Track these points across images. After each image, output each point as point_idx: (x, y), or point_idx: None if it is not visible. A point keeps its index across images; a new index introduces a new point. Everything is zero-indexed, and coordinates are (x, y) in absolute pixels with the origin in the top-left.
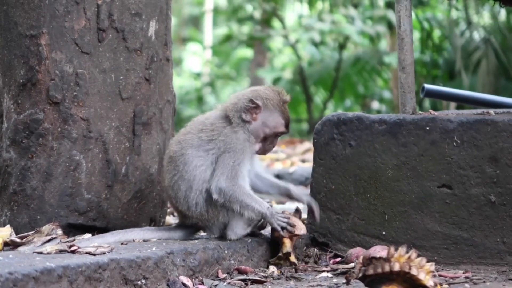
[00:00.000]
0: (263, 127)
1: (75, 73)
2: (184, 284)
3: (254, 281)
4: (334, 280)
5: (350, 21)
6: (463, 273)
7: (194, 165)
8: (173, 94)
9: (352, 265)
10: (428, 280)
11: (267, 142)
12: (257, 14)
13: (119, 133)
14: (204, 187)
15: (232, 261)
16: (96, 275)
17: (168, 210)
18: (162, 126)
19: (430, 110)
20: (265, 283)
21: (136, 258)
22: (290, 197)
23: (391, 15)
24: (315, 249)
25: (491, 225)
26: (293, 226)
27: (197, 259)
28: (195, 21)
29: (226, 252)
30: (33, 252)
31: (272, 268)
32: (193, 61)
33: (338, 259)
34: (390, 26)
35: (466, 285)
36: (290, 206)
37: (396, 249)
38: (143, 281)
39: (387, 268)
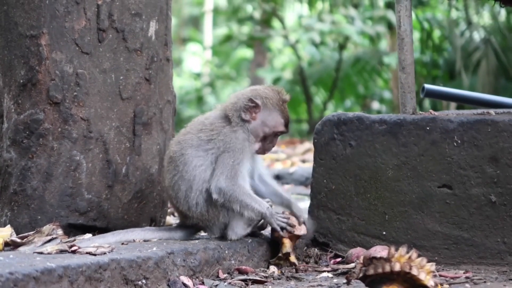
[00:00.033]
0: (263, 127)
1: (75, 73)
2: (184, 284)
3: (254, 281)
4: (335, 280)
5: (350, 21)
6: (464, 273)
7: (194, 165)
8: (173, 94)
9: (352, 265)
10: (428, 280)
11: (266, 142)
12: (257, 14)
13: (119, 133)
14: (204, 187)
15: (233, 261)
16: (96, 275)
17: (169, 210)
18: (163, 126)
19: (431, 110)
20: (266, 283)
21: (137, 258)
22: (290, 210)
23: (391, 15)
24: (316, 249)
25: (491, 225)
26: (292, 226)
27: (198, 259)
28: (195, 22)
29: (226, 252)
30: (34, 252)
31: (273, 268)
32: (193, 62)
33: (339, 259)
34: (390, 26)
35: (467, 285)
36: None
37: (396, 249)
38: (144, 281)
39: (387, 268)
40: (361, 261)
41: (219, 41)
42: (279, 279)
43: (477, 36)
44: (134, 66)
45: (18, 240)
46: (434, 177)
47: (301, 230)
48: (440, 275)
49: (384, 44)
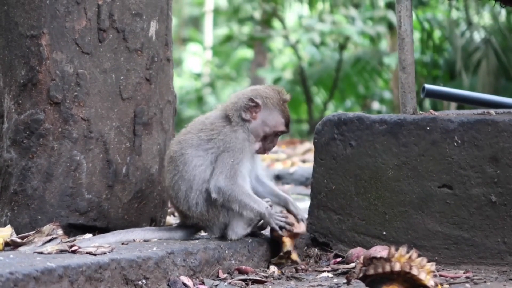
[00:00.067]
0: (263, 126)
1: (75, 73)
2: (184, 284)
3: (254, 281)
4: (335, 280)
5: (350, 21)
6: (464, 273)
7: (194, 165)
8: (173, 94)
9: (352, 265)
10: (428, 280)
11: (267, 141)
12: (257, 15)
13: (119, 133)
14: (204, 187)
15: (233, 261)
16: (96, 275)
17: (169, 210)
18: (163, 126)
19: (431, 110)
20: (266, 283)
21: (137, 258)
22: (288, 209)
23: (392, 15)
24: (316, 249)
25: (491, 225)
26: (291, 225)
27: (198, 259)
28: (195, 22)
29: (226, 252)
30: (34, 252)
31: (273, 268)
32: (194, 62)
33: (339, 259)
34: (390, 26)
35: (467, 285)
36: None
37: (396, 249)
38: (144, 281)
39: (387, 268)
40: (361, 261)
41: (220, 41)
42: (279, 279)
43: (478, 36)
44: (135, 66)
45: (18, 240)
46: (434, 177)
47: (300, 228)
48: (440, 275)
49: (384, 45)
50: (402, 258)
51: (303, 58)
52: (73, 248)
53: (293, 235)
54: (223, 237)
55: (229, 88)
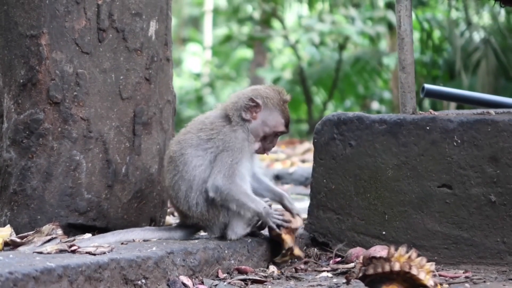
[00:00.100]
0: (263, 126)
1: (75, 73)
2: (184, 284)
3: (254, 281)
4: (334, 280)
5: (350, 21)
6: (463, 273)
7: (193, 165)
8: (173, 94)
9: (352, 265)
10: (428, 280)
11: (266, 142)
12: (257, 15)
13: (119, 133)
14: (204, 187)
15: (232, 261)
16: (96, 275)
17: (168, 210)
18: (162, 126)
19: (430, 110)
20: (265, 283)
21: (136, 258)
22: (283, 204)
23: (391, 15)
24: (315, 249)
25: (491, 225)
26: (288, 221)
27: (197, 259)
28: (195, 22)
29: (226, 252)
30: (33, 252)
31: (272, 268)
32: (193, 62)
33: (338, 259)
34: (390, 26)
35: (466, 285)
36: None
37: (396, 249)
38: (143, 281)
39: (387, 267)
40: (361, 261)
41: (219, 41)
42: (278, 278)
43: (477, 36)
44: (134, 66)
45: (18, 240)
46: (434, 177)
47: (296, 223)
48: (440, 275)
49: (384, 45)
50: (401, 258)
51: (302, 58)
52: (73, 248)
53: (291, 231)
54: (222, 237)
55: (229, 88)
